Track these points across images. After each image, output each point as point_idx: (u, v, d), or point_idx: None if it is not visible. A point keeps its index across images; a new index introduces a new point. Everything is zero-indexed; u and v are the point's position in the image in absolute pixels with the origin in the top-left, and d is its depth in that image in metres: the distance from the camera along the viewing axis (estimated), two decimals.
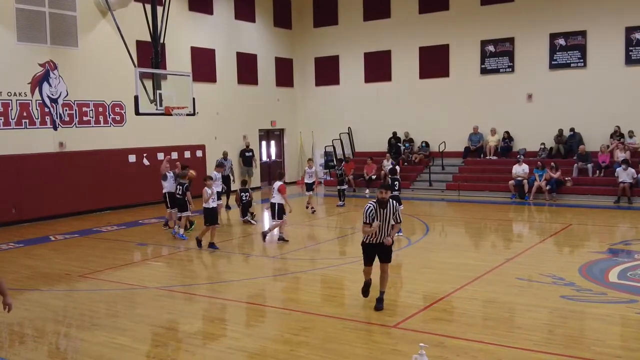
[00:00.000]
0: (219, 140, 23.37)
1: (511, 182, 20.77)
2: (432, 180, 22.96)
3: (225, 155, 20.72)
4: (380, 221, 8.29)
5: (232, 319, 8.69)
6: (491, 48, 23.32)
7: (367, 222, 8.29)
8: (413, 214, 17.45)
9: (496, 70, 23.32)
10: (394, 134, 25.22)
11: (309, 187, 18.65)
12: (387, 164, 22.81)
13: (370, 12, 25.87)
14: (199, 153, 22.56)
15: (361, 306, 8.84)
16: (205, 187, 13.16)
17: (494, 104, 23.42)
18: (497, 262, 11.30)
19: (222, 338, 7.73)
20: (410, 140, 25.01)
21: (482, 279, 10.11)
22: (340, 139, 26.15)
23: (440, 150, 23.59)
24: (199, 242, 13.28)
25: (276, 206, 13.69)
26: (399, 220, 8.56)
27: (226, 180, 19.28)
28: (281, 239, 13.78)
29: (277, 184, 13.88)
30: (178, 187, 14.54)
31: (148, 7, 15.87)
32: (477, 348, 6.98)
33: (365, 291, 8.82)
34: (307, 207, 18.41)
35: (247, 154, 24.28)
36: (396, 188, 14.30)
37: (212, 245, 13.19)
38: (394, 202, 8.46)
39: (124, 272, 11.58)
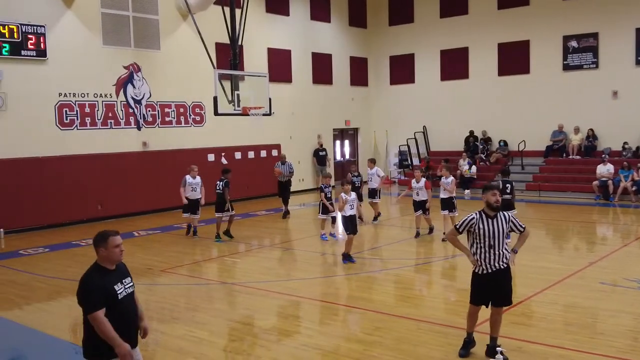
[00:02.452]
0: (294, 140, 23.66)
1: (595, 182, 19.95)
2: (510, 181, 22.29)
3: (283, 158, 18.63)
4: (488, 238, 6.44)
5: (306, 316, 8.77)
6: (574, 44, 22.46)
7: (460, 231, 6.64)
8: None
9: (579, 67, 22.44)
10: (471, 132, 24.73)
11: (448, 204, 13.84)
12: (464, 164, 22.40)
13: (447, 8, 25.47)
14: (274, 152, 22.88)
15: (436, 308, 8.72)
16: (342, 193, 11.62)
17: (577, 101, 22.53)
18: (579, 265, 10.89)
19: (296, 335, 7.81)
20: (488, 139, 24.45)
21: (563, 282, 9.77)
22: (415, 138, 25.89)
23: (520, 149, 22.93)
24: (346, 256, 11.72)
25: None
26: (521, 229, 6.68)
27: (284, 186, 17.94)
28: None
29: (450, 179, 13.84)
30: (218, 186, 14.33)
31: (227, 9, 16.22)
32: (557, 354, 6.75)
33: (466, 350, 6.76)
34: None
35: (320, 153, 24.47)
36: (508, 191, 12.22)
37: (345, 256, 11.74)
38: (505, 213, 6.64)
39: (203, 268, 11.92)
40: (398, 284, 10.43)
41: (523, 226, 6.68)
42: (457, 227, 6.65)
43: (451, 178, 13.94)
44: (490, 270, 6.49)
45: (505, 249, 6.53)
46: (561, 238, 14.66)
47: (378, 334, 7.60)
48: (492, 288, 6.56)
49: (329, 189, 13.97)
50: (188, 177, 14.66)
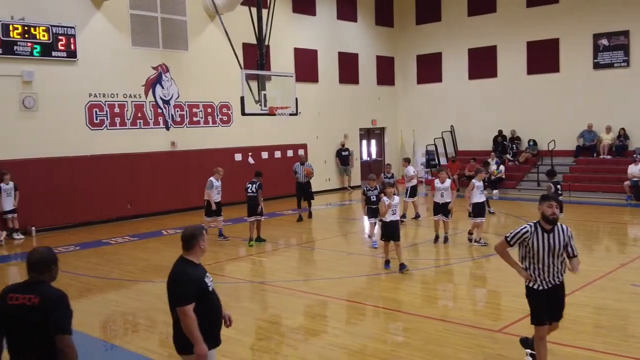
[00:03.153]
0: (320, 140, 23.69)
1: (626, 182, 19.60)
2: (540, 180, 22.06)
3: (302, 159, 18.42)
4: (543, 254, 5.74)
5: (333, 316, 8.77)
6: (604, 42, 22.08)
7: (511, 243, 5.88)
8: (520, 215, 16.87)
9: (610, 65, 22.05)
10: (500, 132, 24.48)
11: (481, 209, 12.99)
12: (492, 164, 22.18)
13: (475, 6, 25.25)
14: (301, 152, 22.93)
15: (464, 309, 8.65)
16: (384, 197, 10.95)
17: (607, 100, 22.15)
18: (610, 267, 10.70)
19: (323, 334, 7.82)
20: (517, 139, 24.18)
21: (594, 284, 9.61)
22: (442, 138, 25.72)
23: (550, 149, 22.64)
24: (386, 262, 11.13)
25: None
26: (574, 253, 5.87)
27: (303, 187, 17.74)
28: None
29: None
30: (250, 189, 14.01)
31: (254, 10, 16.31)
32: (588, 356, 6.65)
33: None
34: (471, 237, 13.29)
35: (343, 153, 24.48)
36: (559, 193, 11.45)
37: (401, 266, 10.86)
38: (564, 226, 5.86)
39: (230, 267, 12.00)
40: (425, 285, 10.38)
41: (576, 253, 5.90)
42: (508, 239, 5.90)
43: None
44: (546, 287, 5.84)
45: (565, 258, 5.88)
46: (592, 239, 14.42)
47: (405, 335, 7.58)
48: (551, 302, 5.93)
49: (373, 192, 13.14)
50: (214, 180, 14.42)
